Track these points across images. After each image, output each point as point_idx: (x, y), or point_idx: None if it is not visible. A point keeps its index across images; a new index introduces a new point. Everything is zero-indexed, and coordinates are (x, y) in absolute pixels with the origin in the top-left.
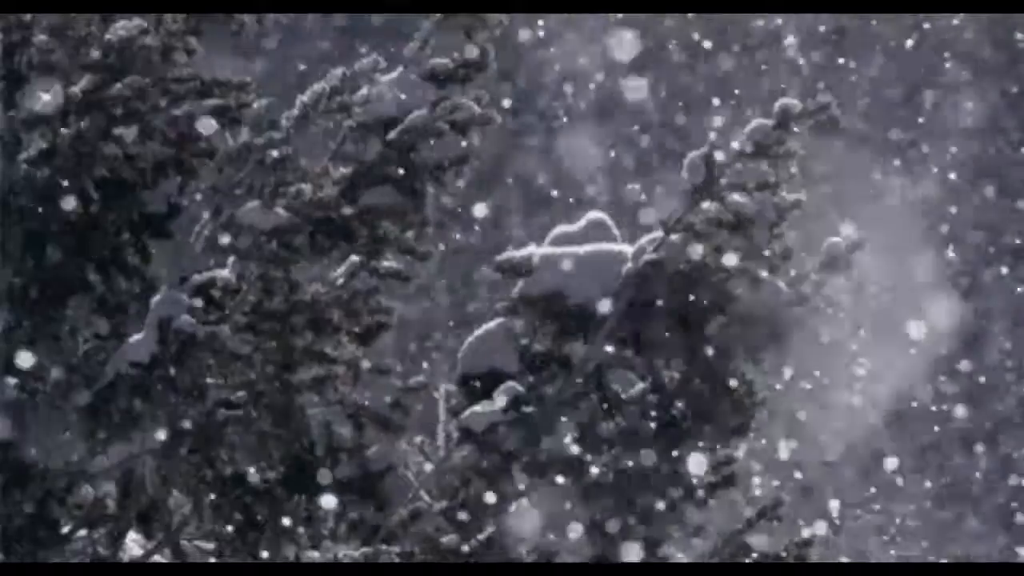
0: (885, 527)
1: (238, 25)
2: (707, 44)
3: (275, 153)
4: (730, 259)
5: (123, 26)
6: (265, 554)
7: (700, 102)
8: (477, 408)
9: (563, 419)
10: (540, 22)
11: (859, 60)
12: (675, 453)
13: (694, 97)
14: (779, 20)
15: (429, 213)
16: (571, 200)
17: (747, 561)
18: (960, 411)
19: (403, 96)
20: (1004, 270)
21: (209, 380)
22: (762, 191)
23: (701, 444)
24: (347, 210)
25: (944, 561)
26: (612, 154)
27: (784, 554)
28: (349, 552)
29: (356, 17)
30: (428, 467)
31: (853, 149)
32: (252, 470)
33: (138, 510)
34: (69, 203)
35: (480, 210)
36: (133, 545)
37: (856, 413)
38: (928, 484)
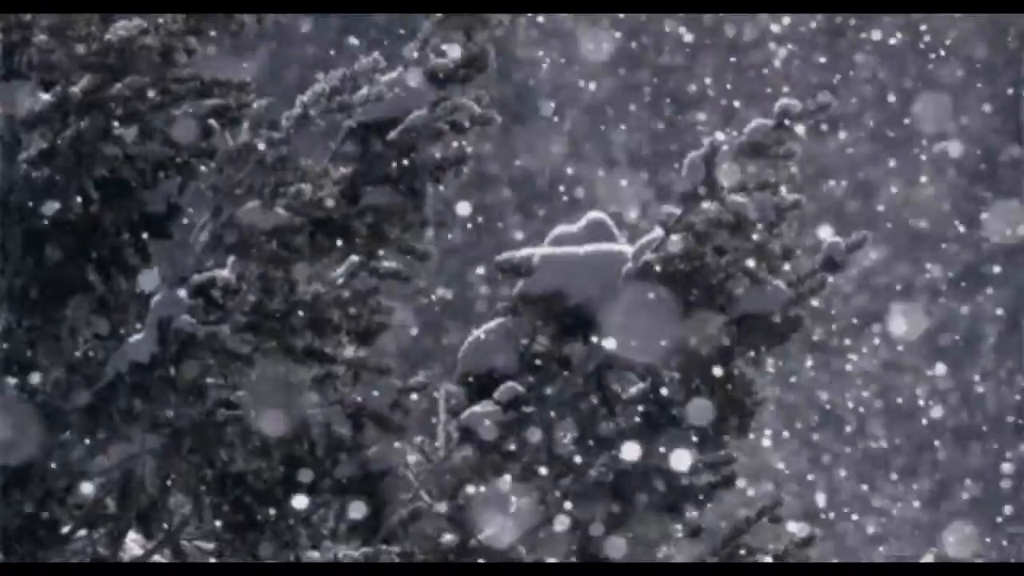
0: (882, 527)
1: (238, 25)
2: (706, 44)
3: (275, 153)
4: (730, 259)
5: (123, 26)
6: (265, 554)
7: (700, 102)
8: (477, 408)
9: (563, 419)
10: (540, 21)
11: (859, 60)
12: (674, 453)
13: (693, 97)
14: (778, 20)
15: (429, 213)
16: (571, 200)
17: (747, 561)
18: (960, 411)
19: (403, 96)
20: (999, 269)
21: (209, 380)
22: (762, 191)
23: (701, 444)
24: (347, 210)
25: (944, 561)
26: (612, 154)
27: (784, 554)
28: (349, 552)
29: (356, 17)
30: (428, 467)
31: (852, 149)
32: (252, 470)
33: (138, 510)
34: (69, 203)
35: (479, 211)
36: (133, 545)
37: (854, 412)
38: (926, 484)
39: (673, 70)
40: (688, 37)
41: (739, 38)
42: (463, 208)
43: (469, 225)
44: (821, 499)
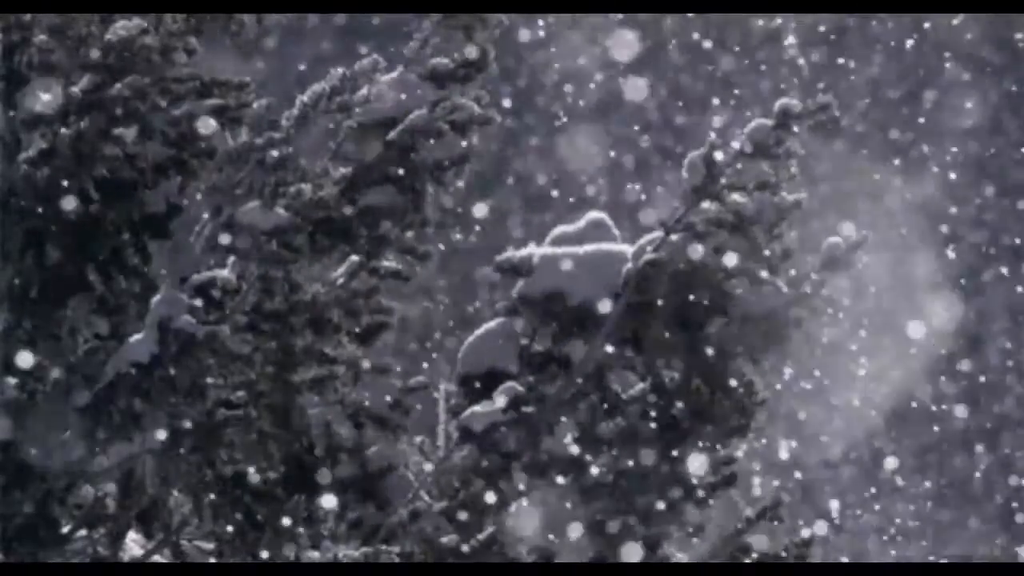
0: (885, 527)
1: (238, 25)
2: (707, 44)
3: (275, 153)
4: (730, 259)
5: (123, 26)
6: (265, 554)
7: (700, 102)
8: (477, 408)
9: (563, 419)
10: (540, 22)
11: (859, 60)
12: (675, 453)
13: (694, 97)
14: (779, 20)
15: (429, 213)
16: (571, 200)
17: (747, 561)
18: (960, 411)
19: (403, 96)
20: (1004, 270)
21: (209, 380)
22: (762, 191)
23: (701, 444)
24: (347, 210)
25: (944, 561)
26: (612, 154)
27: (784, 554)
28: (349, 552)
29: (356, 17)
30: (428, 467)
31: (853, 149)
32: (252, 470)
33: (138, 510)
34: (69, 203)
35: (480, 210)
36: (133, 545)
37: (856, 412)
38: (928, 484)
39: (677, 69)
40: (694, 36)
41: (746, 39)
42: (464, 208)
43: (473, 225)
44: (824, 499)
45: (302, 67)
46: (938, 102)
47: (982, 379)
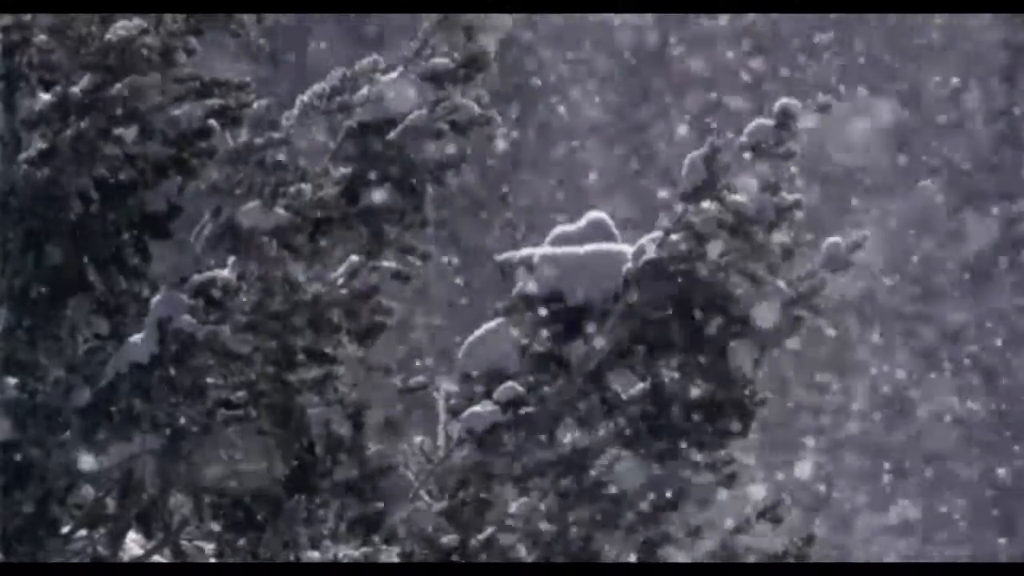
0: (885, 525)
1: (238, 25)
2: (708, 43)
3: (275, 153)
4: (730, 259)
5: (123, 26)
6: (265, 554)
7: (701, 101)
8: (477, 408)
9: (563, 419)
10: (540, 21)
11: (860, 59)
12: (675, 453)
13: (695, 97)
14: (781, 20)
15: (429, 213)
16: (572, 201)
17: (747, 561)
18: (964, 412)
19: (403, 96)
20: (1005, 270)
21: (209, 380)
22: (762, 191)
23: (701, 444)
24: (347, 210)
25: (944, 561)
26: (613, 154)
27: (784, 554)
28: (349, 552)
29: (356, 17)
30: (428, 467)
31: (853, 150)
32: (252, 470)
33: (138, 510)
34: (69, 203)
35: (481, 210)
36: (133, 545)
37: (856, 412)
38: (928, 484)
39: (677, 69)
40: (695, 36)
41: (747, 38)
42: (466, 208)
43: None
44: (825, 498)
45: (302, 67)
46: (938, 102)
47: (983, 379)
